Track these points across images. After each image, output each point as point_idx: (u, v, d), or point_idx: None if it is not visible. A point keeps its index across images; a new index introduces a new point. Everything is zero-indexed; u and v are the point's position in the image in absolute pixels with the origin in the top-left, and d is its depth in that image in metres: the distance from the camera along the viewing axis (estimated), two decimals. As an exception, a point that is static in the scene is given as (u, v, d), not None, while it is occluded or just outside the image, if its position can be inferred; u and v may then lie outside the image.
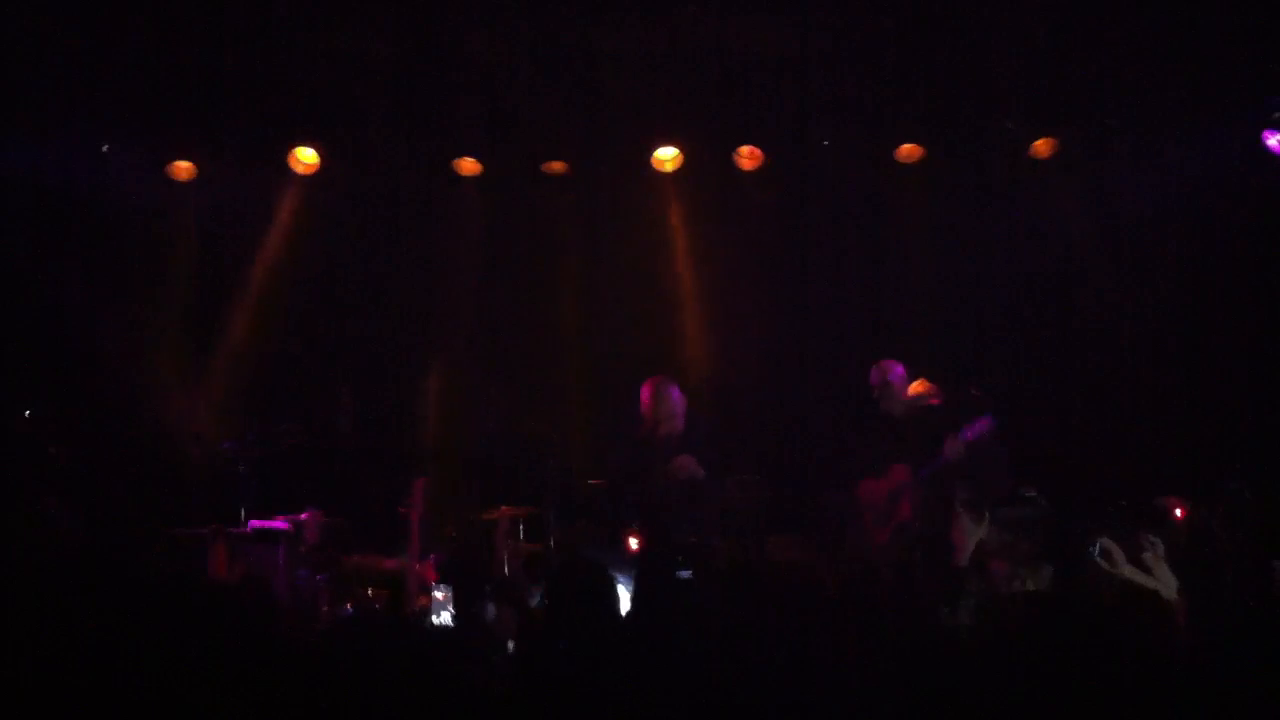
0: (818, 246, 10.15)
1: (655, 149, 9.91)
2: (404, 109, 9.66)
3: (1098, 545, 6.23)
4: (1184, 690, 4.56)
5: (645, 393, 8.47)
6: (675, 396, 8.44)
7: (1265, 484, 8.63)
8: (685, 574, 7.88)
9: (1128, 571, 6.20)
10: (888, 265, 10.16)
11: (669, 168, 9.92)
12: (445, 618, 8.18)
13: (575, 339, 10.40)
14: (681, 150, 9.91)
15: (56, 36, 8.93)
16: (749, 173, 9.91)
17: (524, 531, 8.74)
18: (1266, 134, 9.42)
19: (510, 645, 7.00)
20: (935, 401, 8.91)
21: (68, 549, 7.82)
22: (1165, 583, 6.51)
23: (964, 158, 9.81)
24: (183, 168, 9.94)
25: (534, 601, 7.75)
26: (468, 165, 9.95)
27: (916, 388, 9.03)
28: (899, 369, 8.84)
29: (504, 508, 8.68)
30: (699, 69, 9.41)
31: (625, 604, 6.25)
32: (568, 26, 9.11)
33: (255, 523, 8.50)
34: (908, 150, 9.80)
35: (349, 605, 8.00)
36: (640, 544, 8.37)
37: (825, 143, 9.81)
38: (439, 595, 8.24)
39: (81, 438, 9.40)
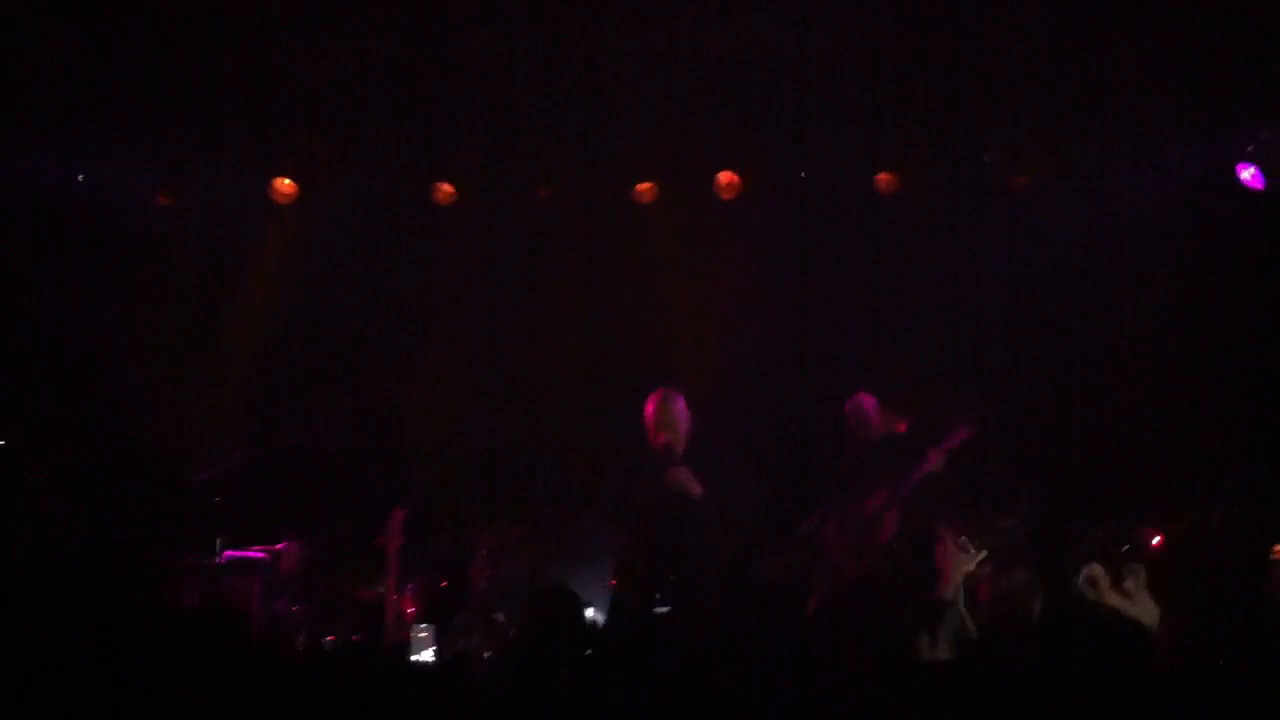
0: (814, 251, 10.18)
1: (649, 164, 9.91)
2: (400, 114, 9.62)
3: (1083, 573, 6.24)
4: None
5: (651, 401, 8.38)
6: (680, 407, 8.36)
7: (1262, 487, 8.68)
8: (663, 609, 7.88)
9: (1113, 599, 6.21)
10: (883, 273, 10.17)
11: (647, 199, 9.94)
12: (428, 655, 8.09)
13: (568, 351, 10.37)
14: (670, 170, 9.92)
15: (40, 41, 8.88)
16: (730, 200, 9.91)
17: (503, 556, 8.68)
18: (1240, 167, 9.49)
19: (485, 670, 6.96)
20: (901, 428, 8.95)
21: (65, 554, 7.78)
22: (1147, 610, 6.52)
23: (963, 166, 9.83)
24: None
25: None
26: (444, 191, 9.92)
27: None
28: (870, 400, 8.91)
29: (482, 536, 8.62)
30: (689, 82, 9.42)
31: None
32: (566, 29, 9.11)
33: (230, 553, 8.42)
34: (885, 179, 9.83)
35: (327, 638, 7.93)
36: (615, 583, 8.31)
37: (803, 174, 9.84)
38: (421, 634, 8.15)
39: (72, 449, 9.36)
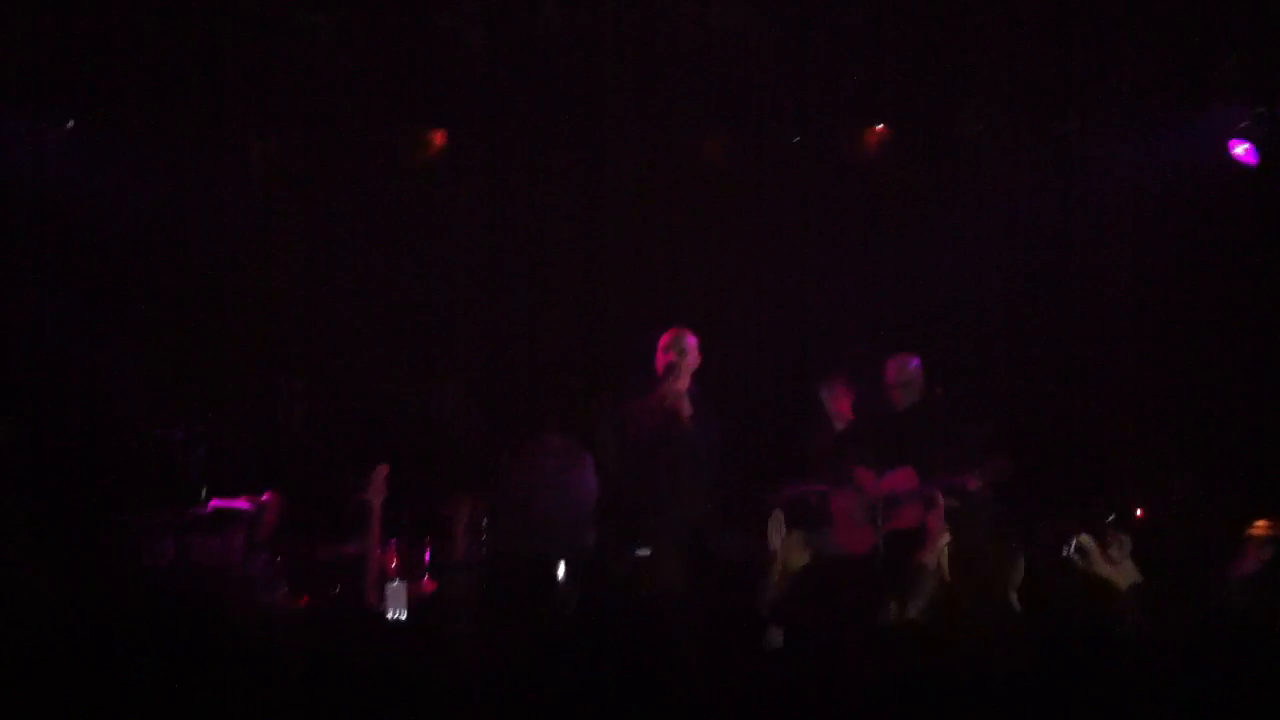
0: (797, 232, 10.16)
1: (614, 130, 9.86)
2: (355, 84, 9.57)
3: (1074, 543, 6.22)
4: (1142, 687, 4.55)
5: (665, 335, 8.35)
6: (690, 342, 8.32)
7: (1218, 481, 8.72)
8: (644, 551, 7.83)
9: (1102, 569, 6.19)
10: (866, 257, 10.17)
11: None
12: (401, 613, 8.03)
13: (560, 317, 10.33)
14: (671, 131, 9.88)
15: None
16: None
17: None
18: (1233, 143, 9.49)
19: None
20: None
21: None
22: (1130, 578, 6.51)
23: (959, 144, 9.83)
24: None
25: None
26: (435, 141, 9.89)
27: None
28: (916, 361, 8.84)
29: (464, 498, 8.56)
30: (668, 46, 9.38)
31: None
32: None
33: (217, 502, 8.35)
34: (876, 134, 9.81)
35: (307, 595, 7.85)
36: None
37: (797, 139, 9.82)
38: (394, 587, 8.07)
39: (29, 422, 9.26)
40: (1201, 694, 4.58)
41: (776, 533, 7.74)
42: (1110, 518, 7.46)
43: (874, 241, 10.18)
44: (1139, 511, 8.48)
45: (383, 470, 8.09)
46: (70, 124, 9.61)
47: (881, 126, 9.87)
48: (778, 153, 10.07)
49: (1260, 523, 7.52)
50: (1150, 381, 9.85)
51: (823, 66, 9.53)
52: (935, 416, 8.69)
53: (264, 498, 8.46)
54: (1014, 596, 5.84)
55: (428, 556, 8.27)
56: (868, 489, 8.54)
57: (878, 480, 8.53)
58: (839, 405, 9.24)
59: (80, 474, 9.25)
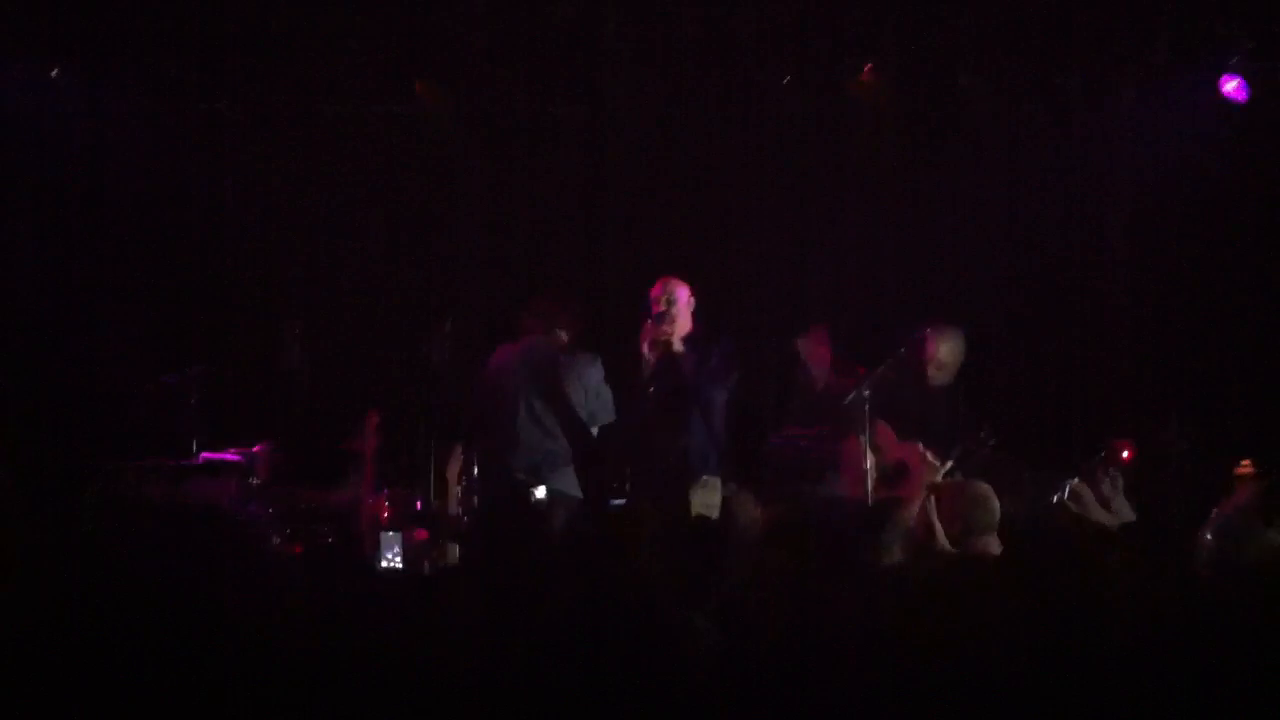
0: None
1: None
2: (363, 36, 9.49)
3: (1066, 488, 6.23)
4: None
5: (654, 289, 8.34)
6: (682, 292, 8.30)
7: (1206, 433, 8.75)
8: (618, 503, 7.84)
9: (1097, 514, 6.22)
10: (863, 214, 10.15)
11: None
12: (394, 561, 8.02)
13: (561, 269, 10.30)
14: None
15: None
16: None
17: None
18: (1224, 79, 9.42)
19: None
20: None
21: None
22: (1123, 516, 6.54)
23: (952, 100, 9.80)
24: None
25: None
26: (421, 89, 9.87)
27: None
28: (962, 340, 8.79)
29: (456, 445, 8.55)
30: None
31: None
32: None
33: (207, 455, 8.34)
34: (873, 85, 9.75)
35: (300, 543, 7.86)
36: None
37: (787, 79, 9.78)
38: (387, 536, 8.06)
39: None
40: (1194, 636, 4.59)
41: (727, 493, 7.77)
42: (1098, 457, 7.46)
43: (871, 199, 10.12)
44: (1126, 453, 8.48)
45: (374, 419, 8.10)
46: (55, 72, 9.47)
47: (878, 77, 9.76)
48: (772, 102, 10.00)
49: (1245, 462, 7.60)
50: (1147, 333, 9.85)
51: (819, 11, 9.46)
52: (957, 409, 8.61)
53: (255, 449, 8.46)
54: (993, 540, 5.84)
55: (419, 505, 8.28)
56: (885, 449, 8.48)
57: (896, 444, 8.46)
58: (816, 355, 9.17)
59: (73, 419, 9.23)
